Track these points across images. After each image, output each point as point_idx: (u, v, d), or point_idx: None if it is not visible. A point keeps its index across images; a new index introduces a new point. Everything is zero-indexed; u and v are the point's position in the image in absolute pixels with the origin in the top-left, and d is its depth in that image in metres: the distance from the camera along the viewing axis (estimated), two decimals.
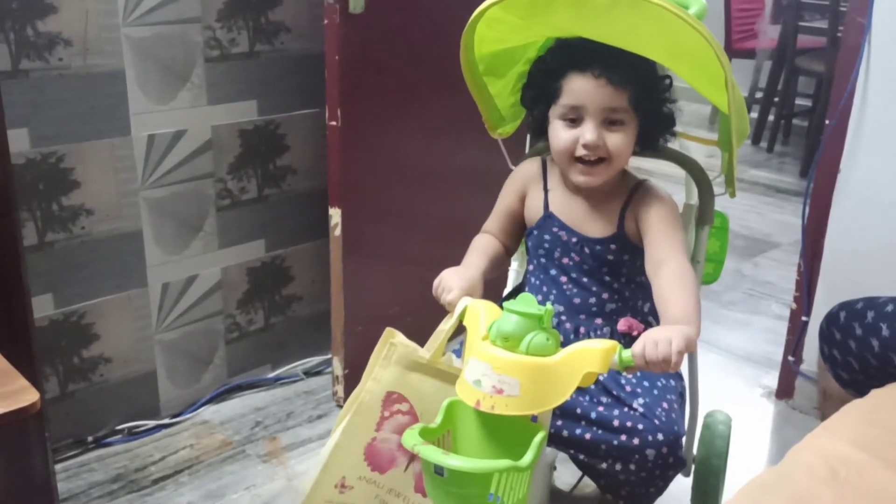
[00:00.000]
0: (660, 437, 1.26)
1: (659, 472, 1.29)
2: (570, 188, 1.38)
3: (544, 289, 1.40)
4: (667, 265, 1.27)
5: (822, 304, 1.97)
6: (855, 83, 1.92)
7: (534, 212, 1.41)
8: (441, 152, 2.17)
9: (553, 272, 1.39)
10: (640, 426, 1.27)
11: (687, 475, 1.58)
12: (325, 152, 1.96)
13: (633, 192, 1.36)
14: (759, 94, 4.95)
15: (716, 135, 1.45)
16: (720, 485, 1.58)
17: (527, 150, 1.55)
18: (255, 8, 1.98)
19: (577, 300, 1.37)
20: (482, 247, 1.40)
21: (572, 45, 1.29)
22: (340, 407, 2.13)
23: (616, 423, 1.28)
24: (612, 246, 1.35)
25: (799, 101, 4.93)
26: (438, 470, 1.07)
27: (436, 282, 1.30)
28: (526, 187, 1.43)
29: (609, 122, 1.28)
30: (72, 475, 1.86)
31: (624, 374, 1.29)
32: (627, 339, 1.36)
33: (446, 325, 1.26)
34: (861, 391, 1.47)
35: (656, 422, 1.27)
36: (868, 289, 1.67)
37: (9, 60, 1.65)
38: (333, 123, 1.91)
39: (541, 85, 1.33)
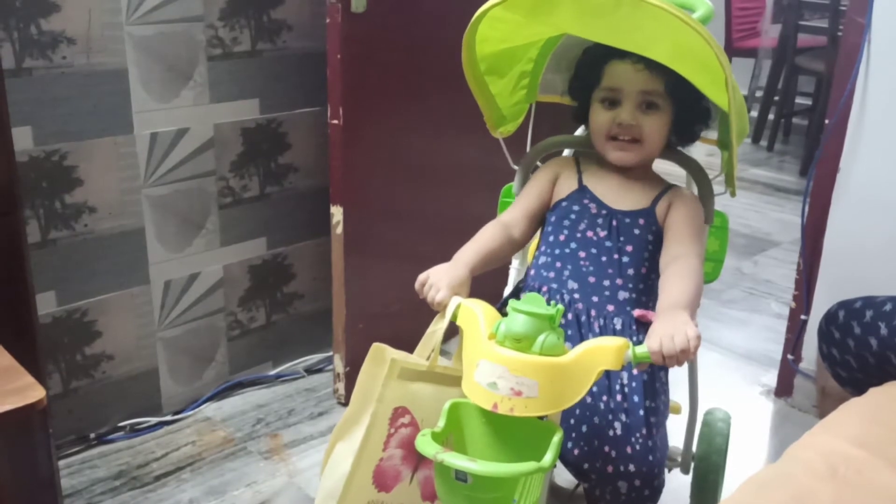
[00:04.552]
0: (631, 467, 1.26)
1: None
2: (605, 168, 1.42)
3: (557, 264, 1.38)
4: (681, 260, 1.30)
5: (822, 303, 1.98)
6: (854, 82, 1.92)
7: (565, 189, 1.44)
8: (442, 150, 2.18)
9: (573, 245, 1.38)
10: (614, 454, 1.27)
11: (686, 472, 1.59)
12: (327, 150, 1.97)
13: (668, 187, 1.42)
14: (759, 93, 4.96)
15: (715, 133, 1.46)
16: (719, 482, 1.59)
17: (527, 150, 1.56)
18: (258, 7, 1.99)
19: (591, 279, 1.35)
20: (481, 240, 1.38)
21: None
22: (341, 404, 2.14)
23: (595, 442, 1.28)
24: (641, 220, 1.37)
25: (799, 100, 4.94)
26: (461, 476, 1.05)
27: (422, 277, 1.28)
28: (559, 172, 1.46)
29: (646, 105, 1.34)
30: (74, 472, 1.87)
31: (635, 369, 1.28)
32: (643, 327, 1.33)
33: (438, 327, 1.24)
34: (859, 389, 1.48)
35: (629, 450, 1.27)
36: (867, 288, 1.68)
37: (12, 59, 1.66)
38: (335, 122, 1.92)
39: (585, 74, 1.40)
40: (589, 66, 1.39)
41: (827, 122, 2.02)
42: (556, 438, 1.10)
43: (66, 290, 1.85)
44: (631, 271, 1.35)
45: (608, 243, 1.36)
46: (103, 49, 1.77)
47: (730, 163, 1.36)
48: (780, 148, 4.80)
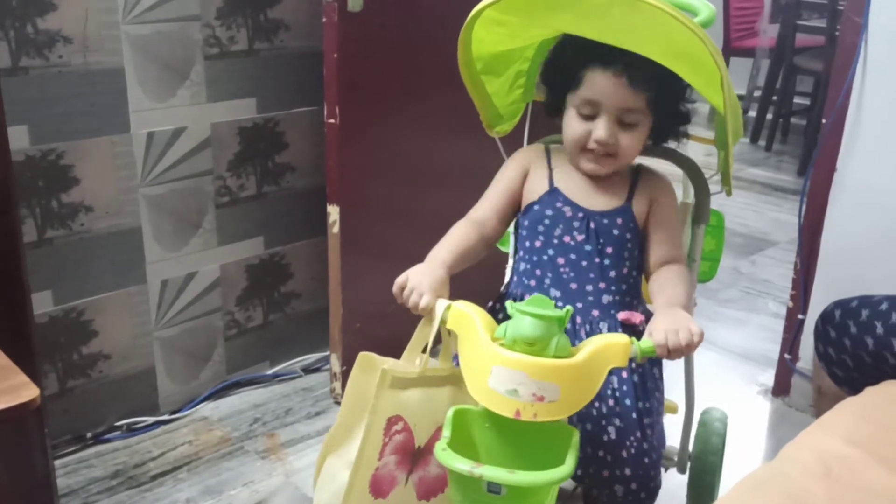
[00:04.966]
0: (627, 471, 1.26)
1: None
2: (575, 166, 1.37)
3: (537, 272, 1.35)
4: (670, 266, 1.31)
5: (819, 303, 1.98)
6: (851, 82, 1.92)
7: (535, 189, 1.38)
8: (439, 150, 2.18)
9: (551, 252, 1.34)
10: (610, 458, 1.26)
11: (683, 472, 1.59)
12: (324, 150, 1.97)
13: (637, 173, 1.39)
14: (757, 93, 4.96)
15: (712, 133, 1.46)
16: (716, 481, 1.59)
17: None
18: (255, 6, 1.99)
19: (573, 285, 1.33)
20: (454, 239, 1.34)
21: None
22: (338, 404, 2.14)
23: (588, 449, 1.27)
24: (618, 220, 1.33)
25: (797, 100, 4.95)
26: (494, 489, 1.03)
27: (399, 281, 1.23)
28: (528, 166, 1.41)
29: (623, 122, 1.29)
30: (71, 471, 1.87)
31: (638, 362, 1.28)
32: (628, 330, 1.33)
33: (425, 331, 1.22)
34: (855, 389, 1.48)
35: (624, 454, 1.26)
36: (864, 287, 1.68)
37: (9, 58, 1.66)
38: (332, 121, 1.92)
39: (562, 69, 1.33)
40: (568, 63, 1.31)
41: (824, 121, 2.03)
42: (575, 439, 1.10)
43: (62, 289, 1.85)
44: (613, 273, 1.33)
45: (587, 247, 1.33)
46: (100, 48, 1.77)
47: (726, 162, 1.36)
48: (779, 148, 4.81)
